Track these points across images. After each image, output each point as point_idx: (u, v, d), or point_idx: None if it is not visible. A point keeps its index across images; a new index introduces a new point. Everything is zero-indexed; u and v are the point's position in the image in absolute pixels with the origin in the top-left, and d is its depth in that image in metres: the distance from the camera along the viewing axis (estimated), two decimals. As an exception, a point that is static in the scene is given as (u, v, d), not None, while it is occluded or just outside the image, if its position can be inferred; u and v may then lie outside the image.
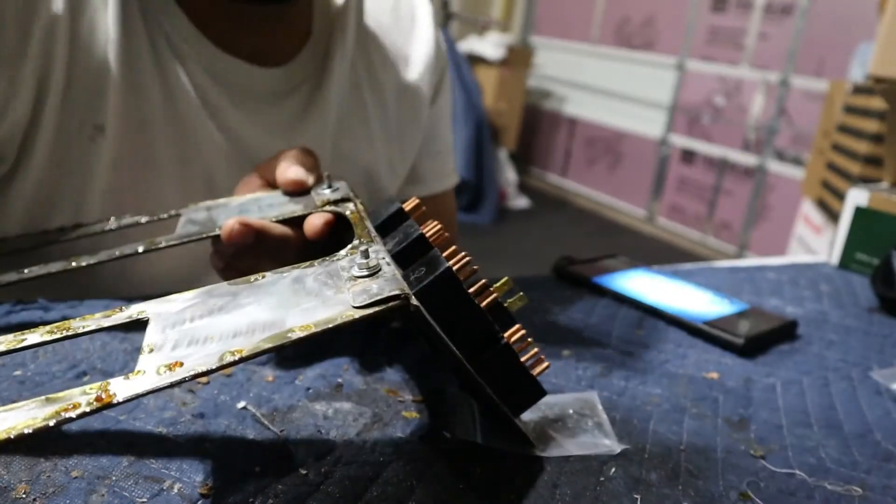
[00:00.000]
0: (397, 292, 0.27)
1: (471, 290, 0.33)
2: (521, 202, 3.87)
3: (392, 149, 0.66)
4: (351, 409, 0.38)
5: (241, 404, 0.37)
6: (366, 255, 0.30)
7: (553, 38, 4.33)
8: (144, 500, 0.29)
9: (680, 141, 3.59)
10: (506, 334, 0.34)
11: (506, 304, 0.37)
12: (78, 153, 0.50)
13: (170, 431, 0.34)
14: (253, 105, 0.56)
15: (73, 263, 0.43)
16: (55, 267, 0.43)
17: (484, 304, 0.34)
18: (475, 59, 3.79)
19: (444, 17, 3.98)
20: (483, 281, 0.34)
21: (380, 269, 0.30)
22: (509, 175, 3.85)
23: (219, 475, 0.31)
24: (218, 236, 0.41)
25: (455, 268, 0.32)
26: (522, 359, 0.34)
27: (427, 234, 0.35)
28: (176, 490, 0.30)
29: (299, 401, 0.38)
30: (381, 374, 0.42)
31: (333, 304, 0.28)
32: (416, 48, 0.67)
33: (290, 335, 0.26)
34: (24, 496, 0.29)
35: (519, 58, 3.89)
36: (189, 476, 0.31)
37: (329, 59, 0.60)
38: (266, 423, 0.36)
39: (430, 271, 0.32)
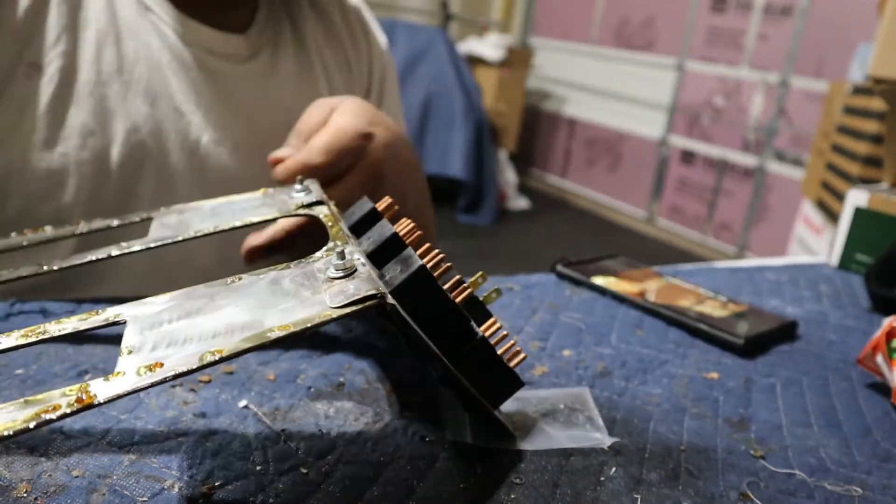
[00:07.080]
0: (373, 292, 0.28)
1: (445, 286, 0.34)
2: (520, 203, 3.87)
3: None
4: (352, 408, 0.38)
5: (242, 403, 0.37)
6: (341, 256, 0.30)
7: (552, 38, 4.33)
8: (145, 499, 0.29)
9: (680, 141, 3.59)
10: (482, 328, 0.35)
11: (481, 299, 0.38)
12: (14, 88, 0.53)
13: (171, 430, 0.34)
14: (218, 67, 0.61)
15: (45, 267, 0.42)
16: (26, 271, 0.42)
17: (459, 299, 0.34)
18: (475, 60, 3.79)
19: (443, 17, 3.98)
20: (457, 277, 0.35)
21: (355, 270, 0.30)
22: (509, 176, 3.85)
23: (220, 474, 0.31)
24: (191, 239, 0.41)
25: (429, 265, 0.33)
26: (499, 351, 0.35)
27: (401, 233, 0.36)
28: (177, 489, 0.30)
29: (301, 400, 0.38)
30: (382, 374, 0.42)
31: (311, 304, 0.28)
32: (357, 40, 0.73)
33: (269, 335, 0.26)
34: (25, 495, 0.29)
35: (518, 59, 3.89)
36: (190, 475, 0.31)
37: (280, 31, 0.66)
38: (267, 421, 0.36)
39: (404, 270, 0.32)
